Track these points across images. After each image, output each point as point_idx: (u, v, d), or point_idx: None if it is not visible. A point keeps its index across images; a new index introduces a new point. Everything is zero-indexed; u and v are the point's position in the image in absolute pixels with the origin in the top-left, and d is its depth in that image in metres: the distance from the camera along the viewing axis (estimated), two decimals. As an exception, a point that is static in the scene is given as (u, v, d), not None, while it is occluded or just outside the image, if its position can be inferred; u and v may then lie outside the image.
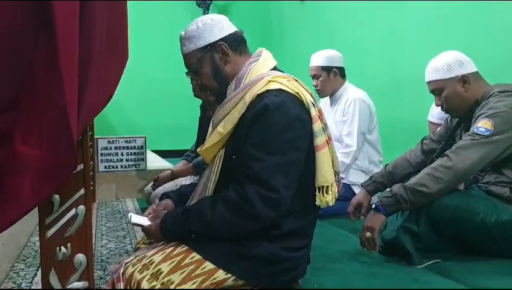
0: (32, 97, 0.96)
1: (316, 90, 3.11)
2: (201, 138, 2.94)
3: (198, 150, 1.54)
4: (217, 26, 1.49)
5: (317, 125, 1.42)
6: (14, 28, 0.88)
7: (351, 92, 3.07)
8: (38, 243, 2.46)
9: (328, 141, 1.46)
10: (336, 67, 3.09)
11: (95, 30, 1.04)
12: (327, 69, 3.07)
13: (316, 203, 1.45)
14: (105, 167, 3.73)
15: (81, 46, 0.98)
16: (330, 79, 3.08)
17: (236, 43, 1.51)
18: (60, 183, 0.99)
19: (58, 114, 0.94)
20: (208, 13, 6.32)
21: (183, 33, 1.51)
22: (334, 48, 3.21)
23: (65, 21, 0.92)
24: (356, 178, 2.96)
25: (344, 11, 4.66)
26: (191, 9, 6.28)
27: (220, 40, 1.48)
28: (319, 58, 3.10)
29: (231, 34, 1.51)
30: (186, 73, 1.57)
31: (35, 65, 0.95)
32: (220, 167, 1.46)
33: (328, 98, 3.20)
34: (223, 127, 1.43)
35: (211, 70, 1.49)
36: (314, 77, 3.11)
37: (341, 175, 2.91)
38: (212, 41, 1.48)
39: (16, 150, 0.94)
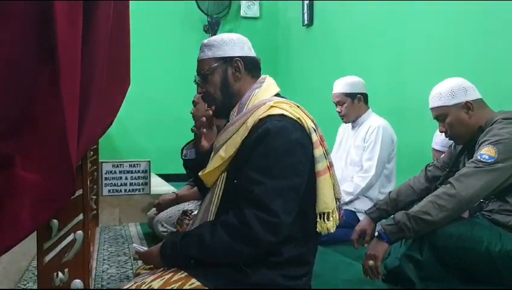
0: (32, 122, 0.97)
1: (340, 116, 3.12)
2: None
3: (199, 174, 1.53)
4: (239, 44, 1.53)
5: (318, 151, 1.42)
6: (15, 58, 0.88)
7: (374, 120, 3.09)
8: (39, 267, 2.45)
9: (329, 167, 1.46)
10: (360, 94, 3.10)
11: (97, 57, 1.05)
12: (351, 96, 3.07)
13: (317, 229, 1.43)
14: (109, 190, 3.72)
15: (82, 72, 0.99)
16: (355, 105, 3.08)
17: (251, 66, 1.54)
18: (58, 208, 0.99)
19: (58, 140, 0.94)
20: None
21: (206, 40, 1.55)
22: (339, 73, 3.23)
23: (67, 48, 0.93)
24: (362, 205, 2.95)
25: (349, 36, 4.70)
26: (198, 35, 6.33)
27: (238, 57, 1.51)
28: (343, 85, 3.10)
29: (249, 56, 1.54)
30: (194, 80, 1.59)
31: (36, 91, 0.96)
32: (221, 191, 1.46)
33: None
34: (224, 151, 1.43)
35: (220, 81, 1.51)
36: (338, 103, 3.10)
37: (351, 197, 2.96)
38: (230, 55, 1.51)
39: (15, 174, 0.95)
